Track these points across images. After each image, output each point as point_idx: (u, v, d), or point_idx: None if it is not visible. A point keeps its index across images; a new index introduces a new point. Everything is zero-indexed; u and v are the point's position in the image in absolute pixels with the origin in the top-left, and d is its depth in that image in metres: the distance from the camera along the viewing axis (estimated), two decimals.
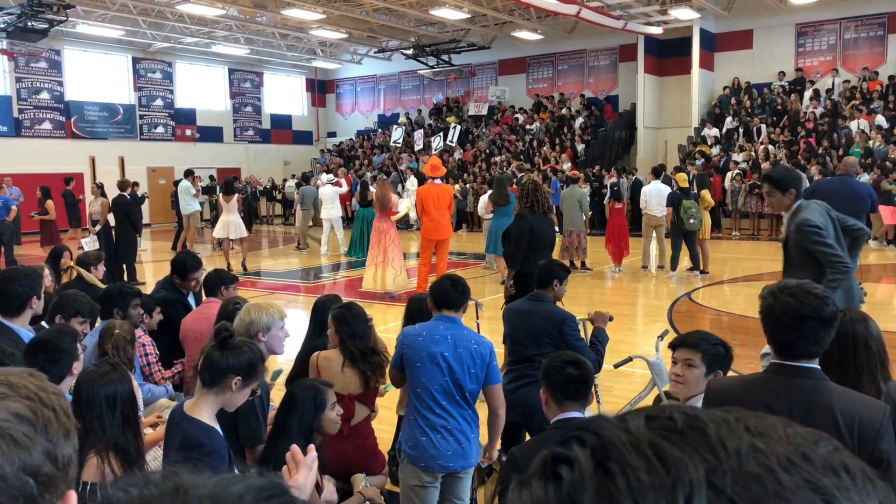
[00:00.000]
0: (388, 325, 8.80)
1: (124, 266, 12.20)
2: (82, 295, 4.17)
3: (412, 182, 20.34)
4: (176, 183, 18.63)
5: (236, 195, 13.97)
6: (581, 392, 2.83)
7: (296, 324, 9.44)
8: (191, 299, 5.28)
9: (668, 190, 12.18)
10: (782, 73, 21.43)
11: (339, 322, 3.80)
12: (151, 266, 14.90)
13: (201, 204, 18.98)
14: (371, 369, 3.78)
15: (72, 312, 3.96)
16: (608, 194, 13.83)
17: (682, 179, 11.92)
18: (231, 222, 13.56)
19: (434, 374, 3.42)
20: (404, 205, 12.31)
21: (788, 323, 2.12)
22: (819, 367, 2.19)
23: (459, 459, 3.48)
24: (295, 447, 1.95)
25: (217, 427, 2.81)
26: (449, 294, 3.54)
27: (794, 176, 4.88)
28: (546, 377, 2.89)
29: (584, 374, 2.85)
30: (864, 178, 15.87)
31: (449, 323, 3.51)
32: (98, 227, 12.90)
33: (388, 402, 4.72)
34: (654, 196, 12.26)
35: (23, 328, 3.63)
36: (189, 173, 17.41)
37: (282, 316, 3.66)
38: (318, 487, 3.12)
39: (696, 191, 12.45)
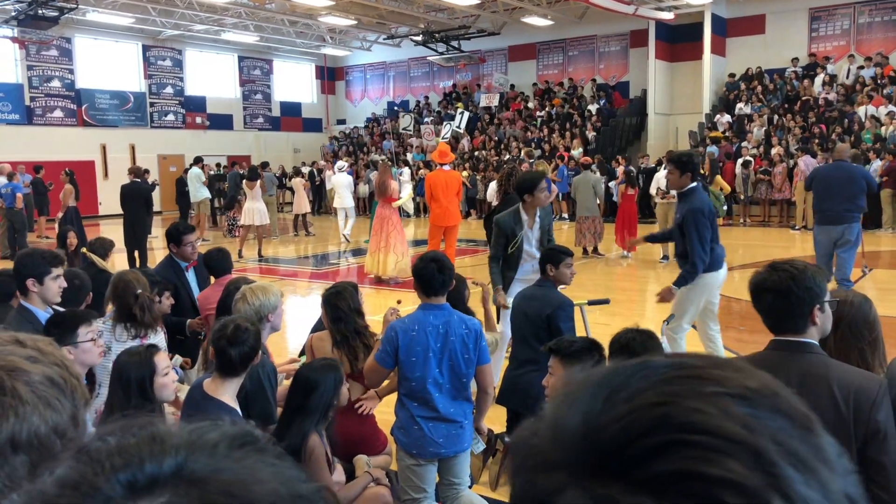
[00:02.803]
0: None
1: (136, 252, 12.27)
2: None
3: (406, 174, 20.36)
4: (185, 171, 18.70)
5: (259, 181, 14.04)
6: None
7: (303, 310, 9.51)
8: (192, 277, 5.24)
9: None
10: (796, 60, 21.18)
11: (325, 305, 3.90)
12: (162, 253, 14.96)
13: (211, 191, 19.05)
14: (353, 353, 3.81)
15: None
16: (623, 180, 13.70)
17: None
18: (256, 209, 13.63)
19: (429, 367, 3.42)
20: (406, 191, 12.27)
21: (752, 296, 2.31)
22: (817, 342, 2.24)
23: (452, 445, 3.50)
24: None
25: (238, 409, 2.86)
26: (436, 281, 3.47)
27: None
28: (556, 350, 2.91)
29: (593, 344, 2.86)
30: (877, 163, 15.73)
31: (438, 311, 3.48)
32: (60, 214, 13.01)
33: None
34: None
35: (38, 308, 3.70)
36: (199, 161, 17.46)
37: (281, 293, 3.81)
38: (330, 466, 3.16)
39: (709, 177, 12.41)
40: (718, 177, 12.45)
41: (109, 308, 4.62)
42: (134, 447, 0.47)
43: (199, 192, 16.17)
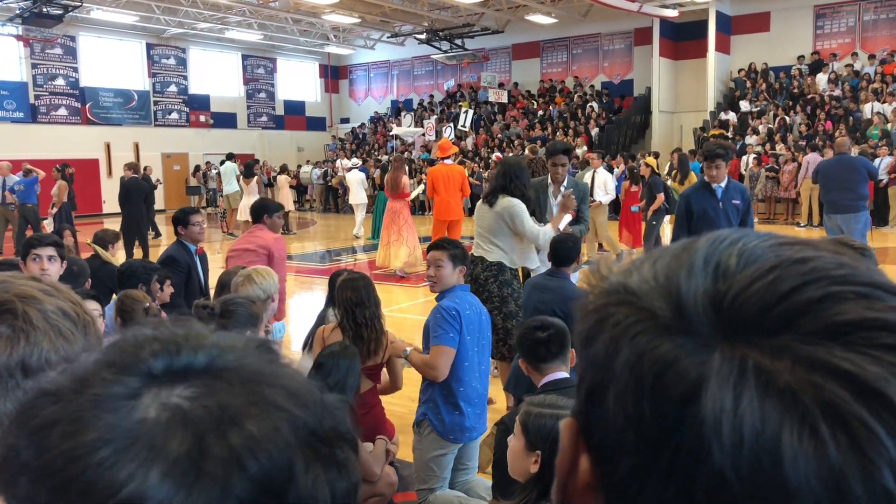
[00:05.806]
0: (400, 305, 8.82)
1: (138, 244, 12.29)
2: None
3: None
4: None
5: (255, 178, 14.07)
6: (553, 352, 2.84)
7: (312, 305, 9.49)
8: (198, 263, 5.26)
9: None
10: (802, 57, 21.09)
11: (344, 289, 3.79)
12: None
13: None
14: (365, 347, 3.66)
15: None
16: (625, 177, 13.56)
17: (655, 164, 11.32)
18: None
19: (476, 345, 3.49)
20: (419, 187, 12.32)
21: None
22: None
23: (482, 426, 3.59)
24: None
25: None
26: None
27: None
28: (518, 346, 2.95)
29: (552, 335, 2.86)
30: (888, 160, 15.66)
31: (468, 292, 3.59)
32: (54, 210, 12.98)
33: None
34: None
35: None
36: (231, 156, 17.69)
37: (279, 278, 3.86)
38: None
39: (679, 174, 12.20)
40: (693, 174, 12.33)
41: (114, 297, 4.60)
42: (170, 337, 0.49)
43: (231, 185, 16.29)
